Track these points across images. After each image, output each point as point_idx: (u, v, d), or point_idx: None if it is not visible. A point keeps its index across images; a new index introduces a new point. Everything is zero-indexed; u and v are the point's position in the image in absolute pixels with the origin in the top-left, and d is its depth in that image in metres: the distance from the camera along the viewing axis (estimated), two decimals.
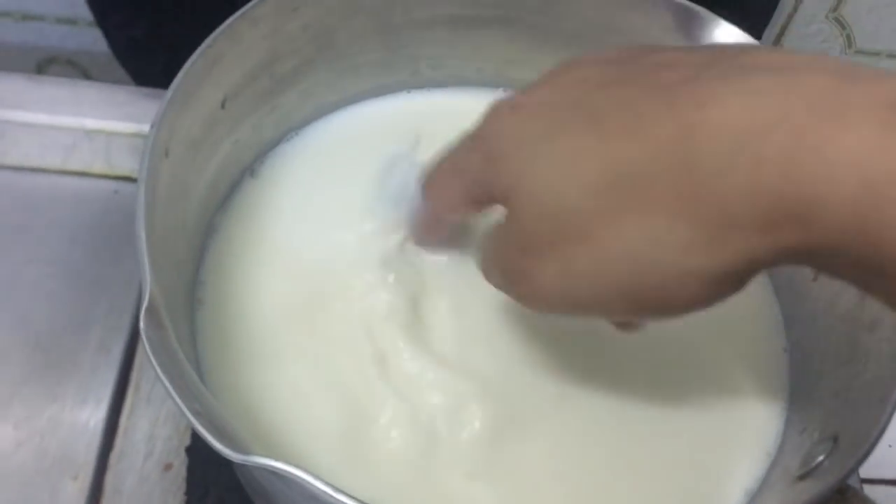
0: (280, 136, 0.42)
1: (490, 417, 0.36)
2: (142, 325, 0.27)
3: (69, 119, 0.53)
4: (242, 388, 0.36)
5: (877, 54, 0.68)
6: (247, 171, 0.41)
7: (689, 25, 0.41)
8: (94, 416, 0.44)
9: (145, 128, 0.53)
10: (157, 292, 0.28)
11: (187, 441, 0.44)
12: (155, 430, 0.45)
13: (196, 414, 0.26)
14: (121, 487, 0.43)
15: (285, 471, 0.25)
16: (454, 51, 0.44)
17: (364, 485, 0.33)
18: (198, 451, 0.44)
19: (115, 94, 0.55)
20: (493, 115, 0.31)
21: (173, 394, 0.25)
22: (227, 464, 0.26)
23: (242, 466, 0.26)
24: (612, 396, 0.38)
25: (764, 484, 0.35)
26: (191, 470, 0.43)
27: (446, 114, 0.45)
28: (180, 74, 0.33)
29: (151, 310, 0.27)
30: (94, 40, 0.63)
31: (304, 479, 0.25)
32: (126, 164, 0.53)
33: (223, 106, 0.37)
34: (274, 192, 0.41)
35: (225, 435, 0.26)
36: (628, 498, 0.36)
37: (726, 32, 0.40)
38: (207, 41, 0.35)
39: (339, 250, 0.40)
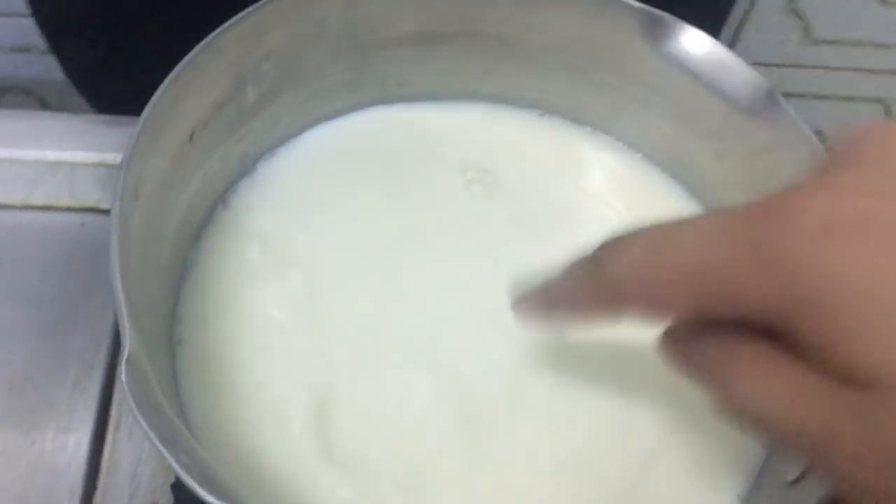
0: (249, 164, 0.42)
1: (480, 427, 0.36)
2: (123, 377, 0.26)
3: (30, 152, 0.52)
4: (228, 426, 0.35)
5: (834, 43, 0.69)
6: (218, 202, 0.40)
7: (654, 31, 0.41)
8: (74, 458, 0.43)
9: (109, 157, 0.53)
10: (137, 342, 0.27)
11: (172, 478, 0.43)
12: (138, 468, 0.44)
13: (185, 467, 0.25)
14: None
15: None
16: (421, 67, 0.44)
17: None
18: (183, 488, 0.42)
19: (76, 123, 0.54)
20: (786, 203, 0.23)
21: (161, 447, 0.25)
22: None
23: None
24: (599, 406, 0.38)
25: (755, 489, 0.35)
26: None
27: (415, 130, 0.45)
28: (146, 112, 0.33)
29: (132, 361, 0.26)
30: (48, 68, 0.62)
31: None
32: (91, 195, 0.52)
33: (191, 139, 0.36)
34: (247, 221, 0.40)
35: (216, 487, 0.25)
36: None
37: (692, 37, 0.40)
38: (172, 74, 0.34)
39: (318, 276, 0.39)
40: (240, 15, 0.36)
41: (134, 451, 0.44)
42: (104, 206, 0.52)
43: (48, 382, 0.45)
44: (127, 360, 0.26)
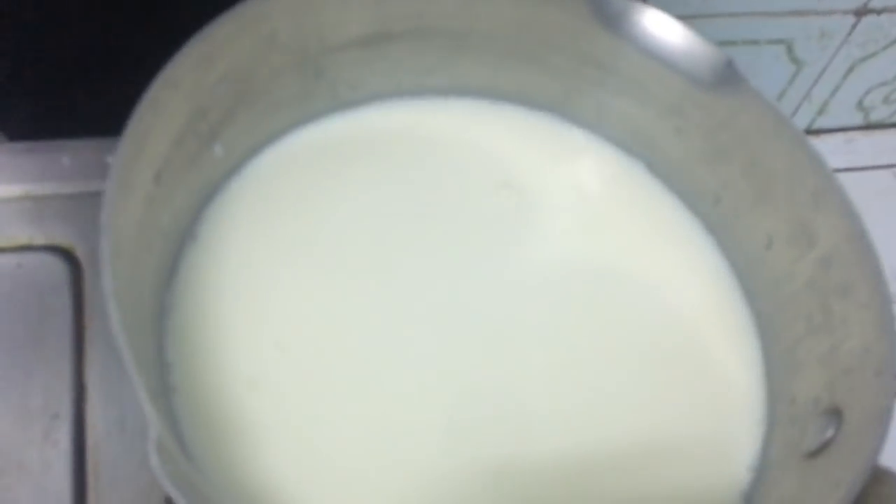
0: (212, 192, 0.40)
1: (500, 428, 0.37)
2: (155, 463, 0.25)
3: None
4: (237, 475, 0.34)
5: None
6: (187, 236, 0.38)
7: (605, 12, 0.41)
8: None
9: (31, 188, 0.50)
10: (163, 424, 0.25)
11: None
12: None
13: None
14: None
15: None
16: (371, 69, 0.42)
17: None
18: None
19: None
20: None
21: None
22: None
23: None
24: (595, 400, 0.39)
25: (767, 460, 0.36)
26: None
27: (369, 133, 0.44)
28: (115, 164, 0.31)
29: (162, 446, 0.25)
30: None
31: None
32: (22, 231, 0.49)
33: (157, 181, 0.34)
34: (218, 251, 0.39)
35: None
36: (634, 491, 0.37)
37: (644, 15, 0.40)
38: (133, 119, 0.32)
39: (297, 296, 0.38)
40: (191, 43, 0.34)
41: (118, 501, 0.42)
42: (38, 241, 0.49)
43: (15, 441, 0.43)
44: (157, 445, 0.25)
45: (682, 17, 0.71)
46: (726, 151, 0.41)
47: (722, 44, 0.75)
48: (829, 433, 0.32)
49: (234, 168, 0.40)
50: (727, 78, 0.39)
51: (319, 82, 0.41)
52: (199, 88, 0.35)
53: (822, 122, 0.86)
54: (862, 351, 0.33)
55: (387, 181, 0.43)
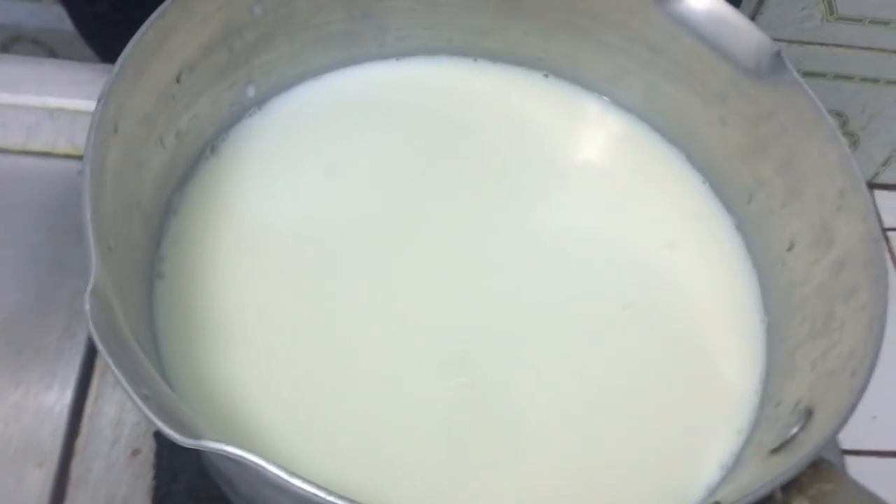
0: (241, 111, 0.41)
1: (463, 400, 0.36)
2: (87, 306, 0.26)
3: (31, 98, 0.52)
4: (203, 369, 0.35)
5: (859, 21, 0.67)
6: (206, 147, 0.40)
7: None
8: (59, 401, 0.43)
9: None
10: (105, 273, 0.27)
11: (155, 426, 0.43)
12: (122, 415, 0.44)
13: (144, 399, 0.25)
14: (87, 474, 0.42)
15: (236, 454, 0.24)
16: (422, 21, 0.43)
17: (332, 470, 0.33)
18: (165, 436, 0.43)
19: (79, 72, 0.53)
20: None
21: (120, 377, 0.25)
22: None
23: (203, 451, 0.25)
24: (586, 374, 0.37)
25: (739, 458, 0.34)
26: (159, 455, 0.42)
27: (412, 84, 0.44)
28: (129, 47, 0.32)
29: (97, 292, 0.26)
30: (59, 18, 0.61)
31: (254, 463, 0.24)
32: None
33: (178, 80, 0.36)
34: (235, 168, 0.40)
35: (174, 419, 0.25)
36: (603, 476, 0.35)
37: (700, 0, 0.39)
38: (157, 12, 0.33)
39: (305, 226, 0.39)
40: None
41: (118, 399, 0.44)
42: None
43: (37, 326, 0.45)
44: (92, 290, 0.26)
45: (794, 42, 0.68)
46: (765, 146, 0.39)
47: (838, 77, 0.72)
48: (794, 430, 0.30)
49: (270, 95, 0.42)
50: (774, 68, 0.38)
51: (367, 27, 0.42)
52: (233, 3, 0.37)
53: None
54: (847, 353, 0.31)
55: (419, 134, 0.43)
